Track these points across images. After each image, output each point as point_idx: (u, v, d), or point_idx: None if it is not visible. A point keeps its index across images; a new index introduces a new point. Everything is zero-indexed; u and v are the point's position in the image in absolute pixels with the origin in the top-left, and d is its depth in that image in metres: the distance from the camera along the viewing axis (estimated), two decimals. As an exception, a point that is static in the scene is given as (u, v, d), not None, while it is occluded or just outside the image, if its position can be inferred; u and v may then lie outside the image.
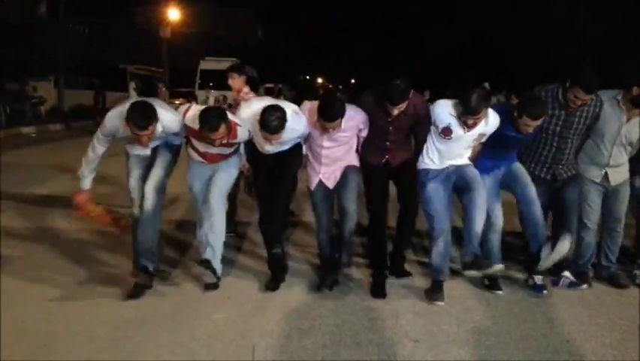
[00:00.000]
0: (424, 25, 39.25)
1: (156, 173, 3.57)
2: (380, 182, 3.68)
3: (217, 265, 3.62)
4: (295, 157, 3.73)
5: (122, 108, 3.29)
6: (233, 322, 3.18)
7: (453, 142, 3.48)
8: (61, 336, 2.93)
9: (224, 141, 3.40)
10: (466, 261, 3.54)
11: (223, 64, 21.07)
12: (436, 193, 3.52)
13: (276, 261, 3.73)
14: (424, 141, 3.61)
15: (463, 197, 3.58)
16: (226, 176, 3.70)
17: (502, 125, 3.47)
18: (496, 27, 25.26)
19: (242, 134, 3.49)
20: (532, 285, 3.75)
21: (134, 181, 3.61)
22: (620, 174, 3.79)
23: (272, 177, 3.70)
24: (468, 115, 3.29)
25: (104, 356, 2.77)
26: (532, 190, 3.63)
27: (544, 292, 3.69)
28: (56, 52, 18.93)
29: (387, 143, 3.57)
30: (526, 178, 3.67)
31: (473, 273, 3.51)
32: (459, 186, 3.61)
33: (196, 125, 3.31)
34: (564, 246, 3.47)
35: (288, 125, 3.31)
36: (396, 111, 3.31)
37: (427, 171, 3.59)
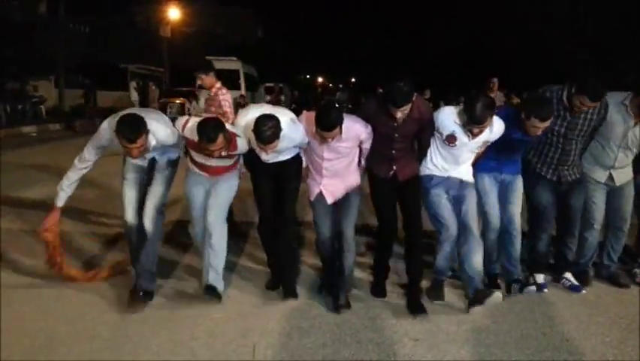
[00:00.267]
0: (424, 25, 39.24)
1: (157, 190, 3.52)
2: (389, 193, 3.60)
3: (220, 285, 3.50)
4: (296, 171, 3.64)
5: (116, 120, 3.18)
6: (234, 321, 3.18)
7: (457, 149, 3.45)
8: (62, 336, 2.94)
9: (224, 153, 3.32)
10: (470, 297, 3.44)
11: (223, 63, 21.08)
12: (439, 199, 3.50)
13: (288, 280, 3.66)
14: (428, 145, 3.56)
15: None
16: (226, 189, 3.59)
17: (508, 129, 3.45)
18: (496, 26, 25.24)
19: (242, 146, 3.40)
20: (533, 284, 3.76)
21: (127, 187, 3.55)
22: (624, 174, 3.80)
23: (271, 184, 3.63)
24: (473, 124, 3.26)
25: (104, 356, 2.77)
26: (516, 215, 3.67)
27: (545, 290, 3.70)
28: (56, 51, 18.92)
29: (394, 151, 3.49)
30: (518, 201, 3.69)
31: (477, 308, 3.38)
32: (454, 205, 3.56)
33: (195, 137, 3.23)
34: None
35: (284, 133, 3.23)
36: (400, 114, 3.27)
37: (430, 177, 3.56)
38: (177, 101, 16.59)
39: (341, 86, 55.21)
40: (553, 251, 4.00)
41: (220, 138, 3.16)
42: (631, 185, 3.84)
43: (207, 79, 4.79)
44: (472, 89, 14.41)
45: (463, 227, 3.47)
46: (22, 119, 16.35)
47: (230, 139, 3.31)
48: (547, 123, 3.33)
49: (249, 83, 20.60)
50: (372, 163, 3.60)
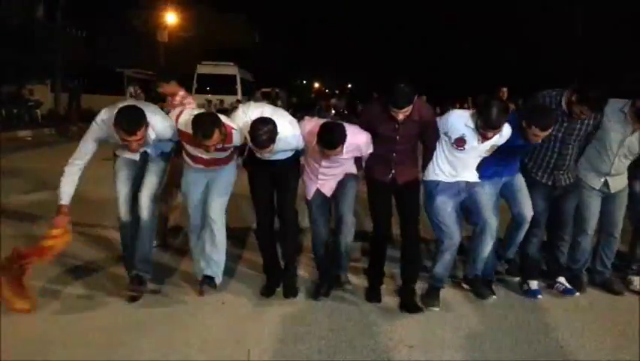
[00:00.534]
0: (421, 31, 39.44)
1: (151, 181, 3.54)
2: (386, 197, 3.63)
3: (219, 279, 3.57)
4: (295, 171, 3.68)
5: (114, 112, 3.16)
6: (228, 327, 3.17)
7: (465, 153, 3.44)
8: (57, 342, 2.92)
9: (220, 146, 3.33)
10: (469, 278, 3.64)
11: (220, 68, 21.08)
12: (444, 207, 3.49)
13: (290, 278, 3.73)
14: (434, 148, 3.55)
15: (473, 220, 3.64)
16: (224, 182, 3.62)
17: (510, 135, 3.45)
18: (495, 29, 25.39)
19: (236, 139, 3.41)
20: (527, 290, 3.77)
21: (120, 184, 3.55)
22: (620, 182, 3.81)
23: (269, 187, 3.66)
24: (489, 129, 3.24)
25: (98, 361, 2.76)
26: (528, 209, 3.66)
27: (539, 297, 3.71)
28: (53, 55, 18.89)
29: (394, 154, 3.51)
30: (525, 196, 3.68)
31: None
32: (468, 206, 3.62)
33: (189, 130, 3.22)
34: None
35: (281, 136, 3.23)
36: (401, 116, 3.29)
37: (436, 183, 3.54)
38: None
39: (337, 91, 55.25)
40: (545, 257, 4.01)
41: (216, 134, 3.14)
42: (625, 191, 3.85)
43: (168, 87, 4.41)
44: (468, 96, 14.50)
45: (481, 219, 3.54)
46: (18, 123, 16.29)
47: (227, 133, 3.30)
48: (548, 132, 3.33)
49: (246, 88, 20.64)
50: (372, 165, 3.64)
